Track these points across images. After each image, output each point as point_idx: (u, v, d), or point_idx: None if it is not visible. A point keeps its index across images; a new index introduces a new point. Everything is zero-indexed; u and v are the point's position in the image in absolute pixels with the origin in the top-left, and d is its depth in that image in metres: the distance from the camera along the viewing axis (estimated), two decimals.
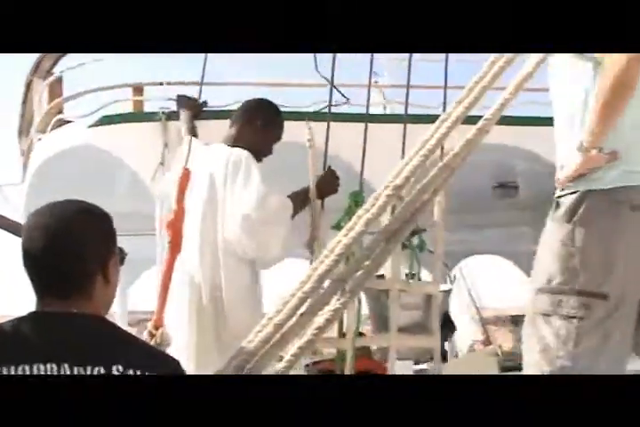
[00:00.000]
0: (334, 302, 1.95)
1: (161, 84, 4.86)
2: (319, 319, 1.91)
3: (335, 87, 3.21)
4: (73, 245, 1.67)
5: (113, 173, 5.07)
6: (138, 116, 4.94)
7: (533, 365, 2.30)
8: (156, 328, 3.11)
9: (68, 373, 1.55)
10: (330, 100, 3.16)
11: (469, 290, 12.24)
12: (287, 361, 1.85)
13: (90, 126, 4.89)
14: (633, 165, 2.27)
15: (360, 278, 2.01)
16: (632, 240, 2.26)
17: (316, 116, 3.38)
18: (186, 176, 3.33)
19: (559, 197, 2.32)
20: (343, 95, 3.20)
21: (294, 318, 1.89)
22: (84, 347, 1.60)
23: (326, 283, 1.97)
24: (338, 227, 2.78)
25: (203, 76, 3.65)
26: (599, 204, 2.26)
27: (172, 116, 4.38)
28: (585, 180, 2.27)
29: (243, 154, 3.34)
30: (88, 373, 1.56)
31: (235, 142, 3.51)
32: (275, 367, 1.83)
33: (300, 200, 3.33)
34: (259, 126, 3.55)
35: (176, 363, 1.72)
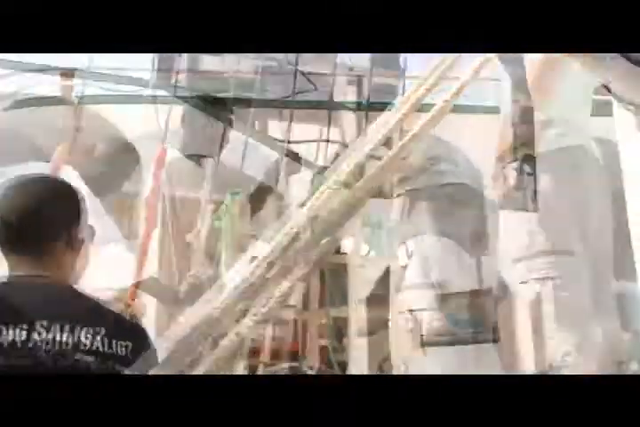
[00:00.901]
0: (297, 272, 1.94)
1: (75, 69, 4.79)
2: (282, 287, 1.90)
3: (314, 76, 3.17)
4: (39, 214, 1.71)
5: (27, 157, 5.00)
6: (52, 99, 4.88)
7: (534, 337, 2.25)
8: (132, 299, 3.10)
9: (37, 335, 1.57)
10: (294, 87, 3.14)
11: (427, 268, 12.32)
12: (249, 327, 1.84)
13: (5, 109, 4.84)
14: (563, 129, 2.31)
15: (322, 250, 2.00)
16: (578, 196, 2.28)
17: (285, 105, 3.35)
18: (162, 155, 3.29)
19: (502, 168, 2.33)
20: (310, 82, 3.17)
21: (258, 286, 1.88)
22: (52, 312, 1.61)
23: (290, 253, 1.96)
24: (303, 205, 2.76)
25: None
26: (540, 166, 2.27)
27: (85, 100, 4.36)
28: (521, 147, 2.29)
29: None
30: (57, 336, 1.57)
31: None
32: (238, 332, 1.82)
33: None
34: None
35: (144, 332, 1.72)
